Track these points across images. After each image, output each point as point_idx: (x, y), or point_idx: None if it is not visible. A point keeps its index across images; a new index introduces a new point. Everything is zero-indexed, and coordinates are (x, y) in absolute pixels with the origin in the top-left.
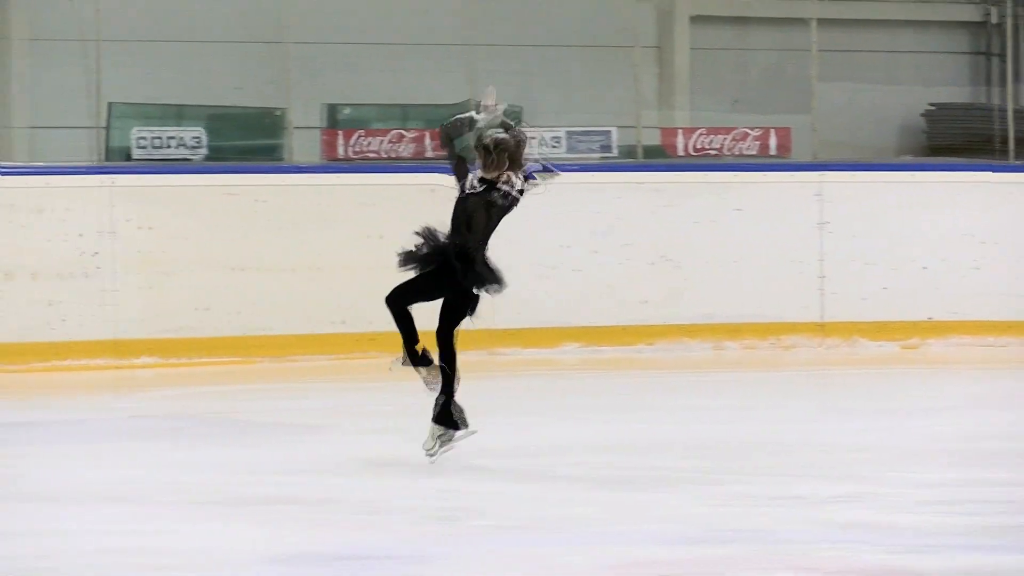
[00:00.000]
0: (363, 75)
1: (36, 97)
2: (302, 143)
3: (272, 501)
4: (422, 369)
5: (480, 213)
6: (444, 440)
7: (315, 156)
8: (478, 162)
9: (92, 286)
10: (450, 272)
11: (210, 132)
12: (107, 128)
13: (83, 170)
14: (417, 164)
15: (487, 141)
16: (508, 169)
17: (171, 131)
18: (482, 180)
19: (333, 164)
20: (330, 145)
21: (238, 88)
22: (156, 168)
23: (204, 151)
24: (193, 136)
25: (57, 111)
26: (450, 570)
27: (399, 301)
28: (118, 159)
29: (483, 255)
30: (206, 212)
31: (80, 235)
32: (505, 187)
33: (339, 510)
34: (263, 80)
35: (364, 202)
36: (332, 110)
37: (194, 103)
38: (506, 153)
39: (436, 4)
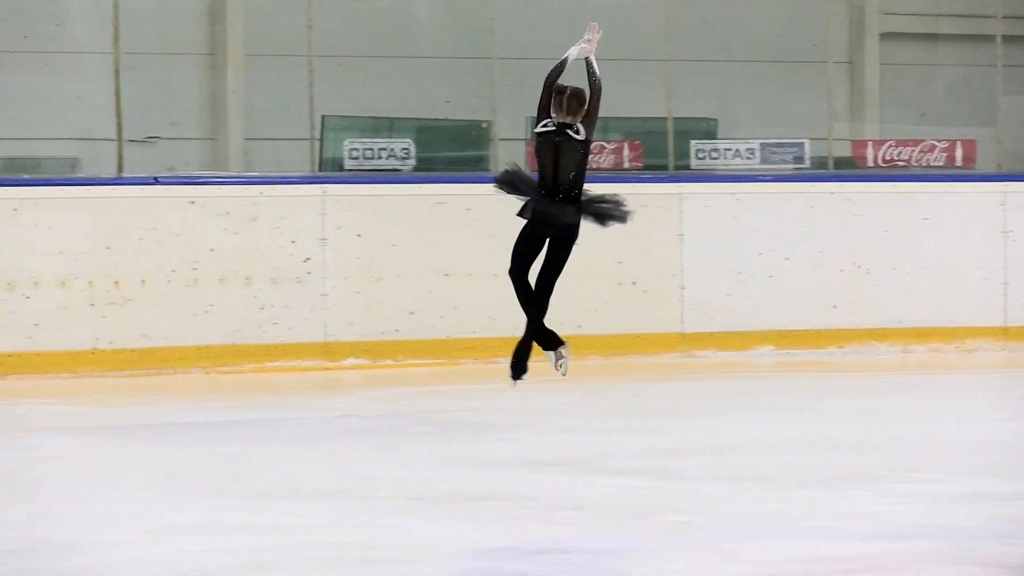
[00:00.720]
0: None
1: (251, 110)
2: (507, 154)
3: (477, 497)
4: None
5: (567, 151)
6: (561, 357)
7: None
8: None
9: (304, 291)
10: (545, 223)
11: (419, 144)
12: (320, 140)
13: (297, 180)
14: (616, 175)
15: (566, 88)
16: (580, 118)
17: (382, 143)
18: (558, 123)
19: (535, 174)
20: (533, 156)
21: (447, 102)
22: (367, 178)
23: (413, 162)
24: (403, 148)
25: (271, 123)
26: (647, 564)
27: (518, 271)
28: (331, 169)
29: (585, 192)
30: (415, 220)
31: (293, 242)
32: (575, 135)
33: (540, 505)
34: (471, 94)
35: None
36: (535, 123)
37: (404, 116)
38: (576, 101)
39: (636, 21)
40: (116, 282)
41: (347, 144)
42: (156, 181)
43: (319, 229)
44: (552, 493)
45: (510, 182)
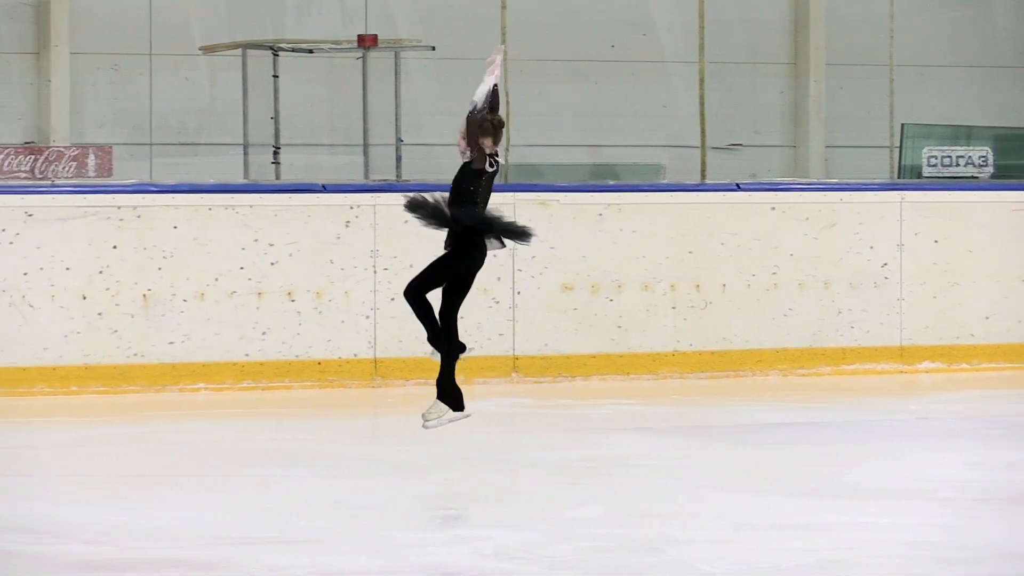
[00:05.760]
0: None
1: (832, 118)
2: None
3: None
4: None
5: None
6: (438, 415)
7: None
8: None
9: (881, 295)
10: (459, 251)
11: (997, 151)
12: (900, 147)
13: (876, 187)
14: None
15: (491, 118)
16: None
17: (960, 150)
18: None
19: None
20: None
21: None
22: (944, 185)
23: (990, 169)
24: (980, 155)
25: (852, 131)
26: None
27: (417, 293)
28: (909, 177)
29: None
30: (992, 226)
31: (871, 248)
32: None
33: None
34: None
35: None
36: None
37: (983, 124)
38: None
39: None
40: (697, 286)
41: (926, 152)
42: (738, 187)
43: (897, 235)
44: None
45: (425, 208)
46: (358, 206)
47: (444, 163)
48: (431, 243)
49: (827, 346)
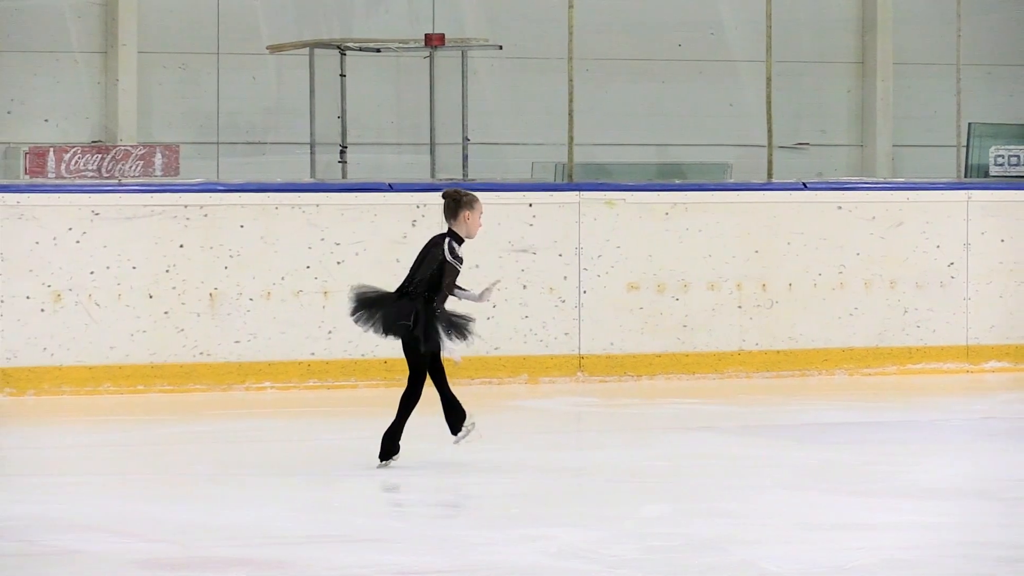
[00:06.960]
0: None
1: (899, 117)
2: None
3: None
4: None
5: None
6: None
7: None
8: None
9: (947, 294)
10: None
11: None
12: (967, 147)
13: (942, 186)
14: None
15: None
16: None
17: None
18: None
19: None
20: None
21: None
22: (1011, 184)
23: None
24: None
25: (919, 130)
26: None
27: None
28: (976, 176)
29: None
30: None
31: (938, 247)
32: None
33: None
34: None
35: None
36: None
37: None
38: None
39: None
40: (763, 285)
41: (992, 151)
42: (805, 187)
43: (963, 234)
44: None
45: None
46: (424, 205)
47: (510, 162)
48: (495, 241)
49: (893, 345)
